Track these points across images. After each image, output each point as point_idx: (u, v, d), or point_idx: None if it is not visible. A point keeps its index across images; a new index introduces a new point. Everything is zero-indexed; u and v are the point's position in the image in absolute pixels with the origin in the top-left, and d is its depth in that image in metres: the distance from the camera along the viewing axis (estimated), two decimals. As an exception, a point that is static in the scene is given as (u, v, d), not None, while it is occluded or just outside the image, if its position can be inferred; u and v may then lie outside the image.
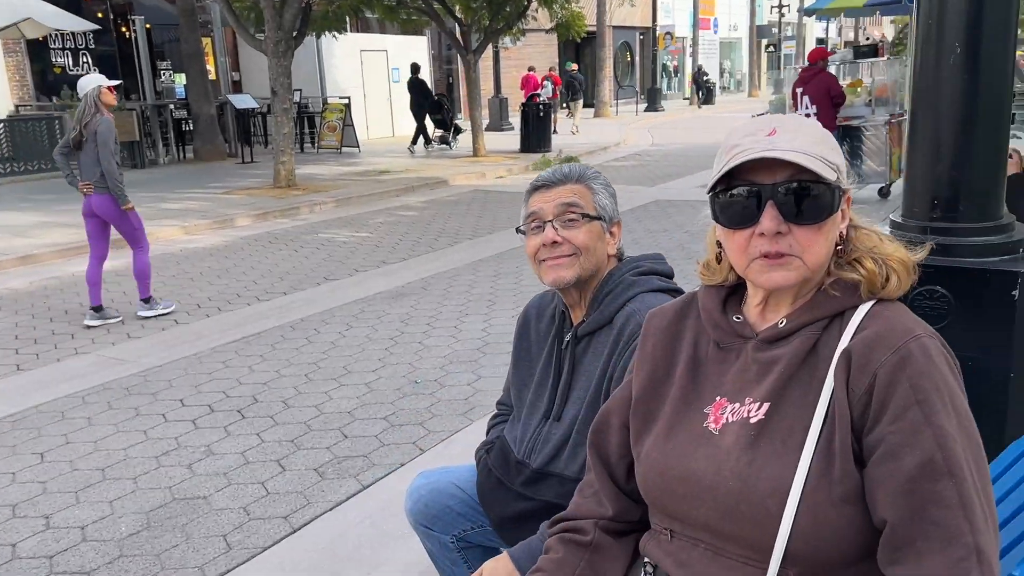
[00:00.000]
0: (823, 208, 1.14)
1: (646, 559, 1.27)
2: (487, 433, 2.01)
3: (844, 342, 1.12)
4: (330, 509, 3.26)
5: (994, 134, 2.13)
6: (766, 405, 1.15)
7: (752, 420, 1.15)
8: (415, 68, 17.55)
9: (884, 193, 9.95)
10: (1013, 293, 2.00)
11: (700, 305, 1.31)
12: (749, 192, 1.15)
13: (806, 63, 9.89)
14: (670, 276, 1.80)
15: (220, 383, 4.69)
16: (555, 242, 1.70)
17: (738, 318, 1.25)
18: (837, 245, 1.18)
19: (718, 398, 1.22)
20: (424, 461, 3.57)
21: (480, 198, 11.82)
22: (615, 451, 1.35)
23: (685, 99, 40.96)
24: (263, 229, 9.78)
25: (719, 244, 1.26)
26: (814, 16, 14.48)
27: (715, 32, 45.53)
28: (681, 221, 9.40)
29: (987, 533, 1.01)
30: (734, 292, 1.29)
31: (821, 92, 9.26)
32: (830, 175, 1.14)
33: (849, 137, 9.78)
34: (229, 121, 16.27)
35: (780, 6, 45.05)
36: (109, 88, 5.69)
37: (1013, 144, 5.77)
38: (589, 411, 1.68)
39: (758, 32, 45.08)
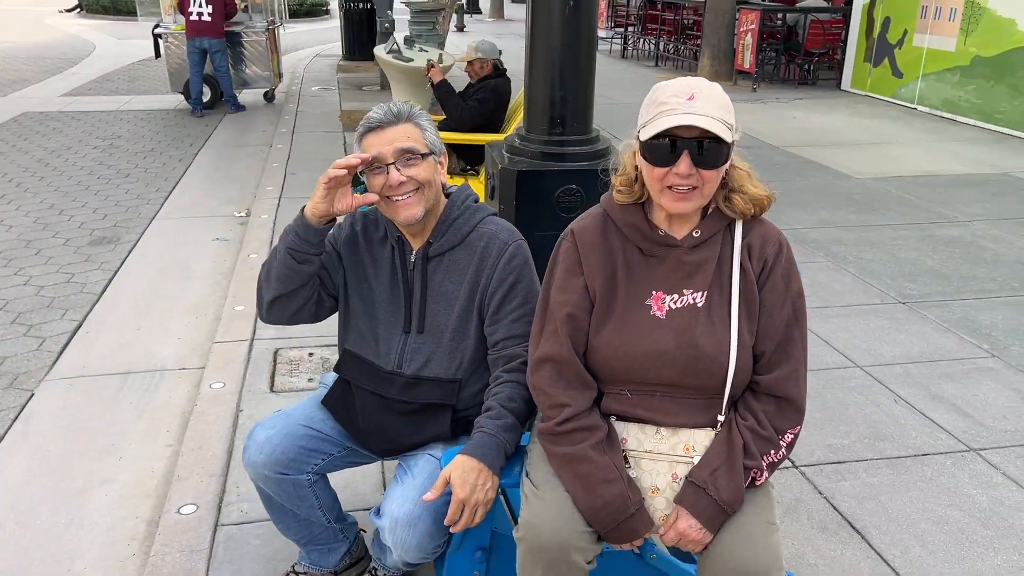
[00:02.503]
0: (720, 158, 1.66)
1: (607, 413, 1.72)
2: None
3: (738, 242, 1.70)
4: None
5: (589, 70, 2.90)
6: (703, 293, 1.69)
7: (699, 305, 1.68)
8: None
9: (269, 97, 10.47)
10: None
11: (621, 222, 1.74)
12: (672, 143, 1.62)
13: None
14: None
15: None
16: (400, 183, 1.87)
17: (662, 232, 1.72)
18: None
19: (654, 292, 1.70)
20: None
21: None
22: (580, 347, 1.72)
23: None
24: None
25: (637, 169, 1.70)
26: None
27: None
28: (82, 133, 8.54)
29: (805, 355, 1.74)
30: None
31: (217, -1, 9.20)
32: (728, 135, 1.65)
33: (231, 43, 9.97)
34: None
35: None
36: None
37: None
38: (460, 320, 1.95)
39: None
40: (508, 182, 2.81)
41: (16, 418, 3.32)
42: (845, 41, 11.61)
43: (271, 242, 5.05)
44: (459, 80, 6.02)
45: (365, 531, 2.33)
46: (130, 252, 5.20)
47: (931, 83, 9.89)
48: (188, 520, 2.53)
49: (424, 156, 1.92)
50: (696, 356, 1.65)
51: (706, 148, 1.61)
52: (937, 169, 7.15)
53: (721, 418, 1.67)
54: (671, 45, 14.40)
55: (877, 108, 10.22)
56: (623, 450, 1.69)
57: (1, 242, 5.37)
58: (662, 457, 1.66)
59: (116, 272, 4.87)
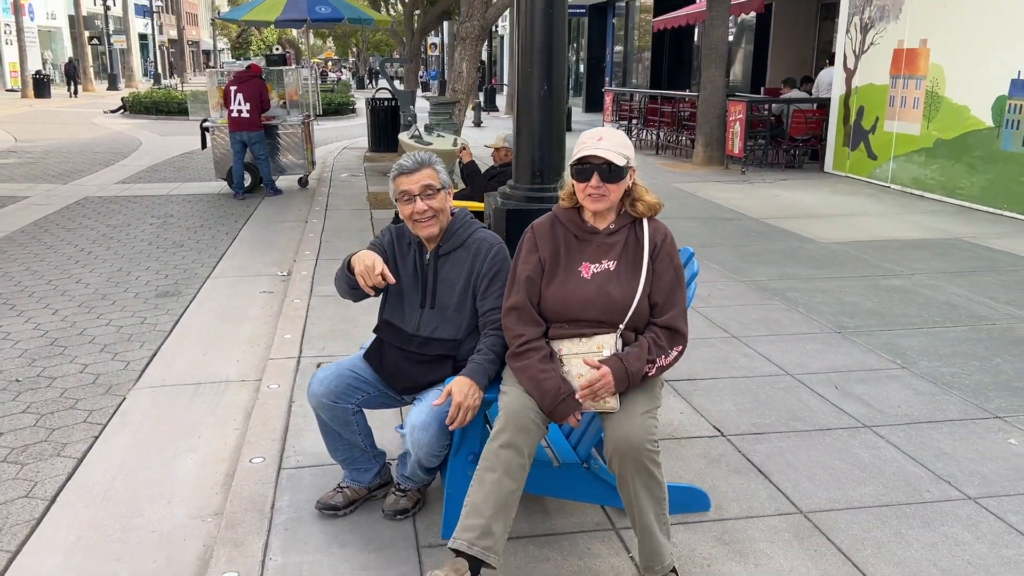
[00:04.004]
0: (618, 176, 2.56)
1: (551, 340, 2.58)
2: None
3: (646, 231, 2.59)
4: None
5: (561, 138, 3.86)
6: (614, 262, 2.57)
7: (611, 270, 2.56)
8: None
9: (304, 183, 11.64)
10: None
11: (564, 218, 2.65)
12: (588, 167, 2.53)
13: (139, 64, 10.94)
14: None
15: None
16: (423, 211, 2.80)
17: (589, 225, 2.62)
18: (628, 189, 2.62)
19: (584, 263, 2.59)
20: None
21: None
22: (535, 299, 2.60)
23: (9, 90, 37.01)
24: None
25: (573, 186, 2.62)
26: (142, 16, 15.31)
27: (31, 19, 41.76)
28: (138, 213, 9.67)
29: (684, 304, 2.61)
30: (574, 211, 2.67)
31: (254, 93, 10.46)
32: (622, 162, 2.56)
33: (271, 135, 11.20)
34: None
35: (104, -2, 43.49)
36: None
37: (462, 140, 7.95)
38: (460, 299, 2.84)
39: (84, 23, 42.75)
40: (500, 218, 3.74)
41: (114, 413, 4.21)
42: (826, 128, 12.72)
43: (311, 292, 5.99)
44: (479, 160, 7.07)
45: (392, 463, 3.16)
46: (191, 302, 6.16)
47: (901, 163, 10.90)
48: (257, 466, 3.38)
49: (439, 190, 2.85)
50: (609, 302, 2.53)
51: (609, 170, 2.53)
52: (895, 235, 8.05)
53: (620, 329, 2.53)
54: (670, 135, 15.61)
55: (854, 187, 11.21)
56: (558, 355, 2.55)
57: (81, 295, 6.36)
58: (582, 354, 2.51)
59: (181, 316, 5.82)
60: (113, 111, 27.13)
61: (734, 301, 5.78)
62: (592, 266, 2.60)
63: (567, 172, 2.72)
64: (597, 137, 2.57)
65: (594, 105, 25.07)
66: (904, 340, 4.95)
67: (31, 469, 3.63)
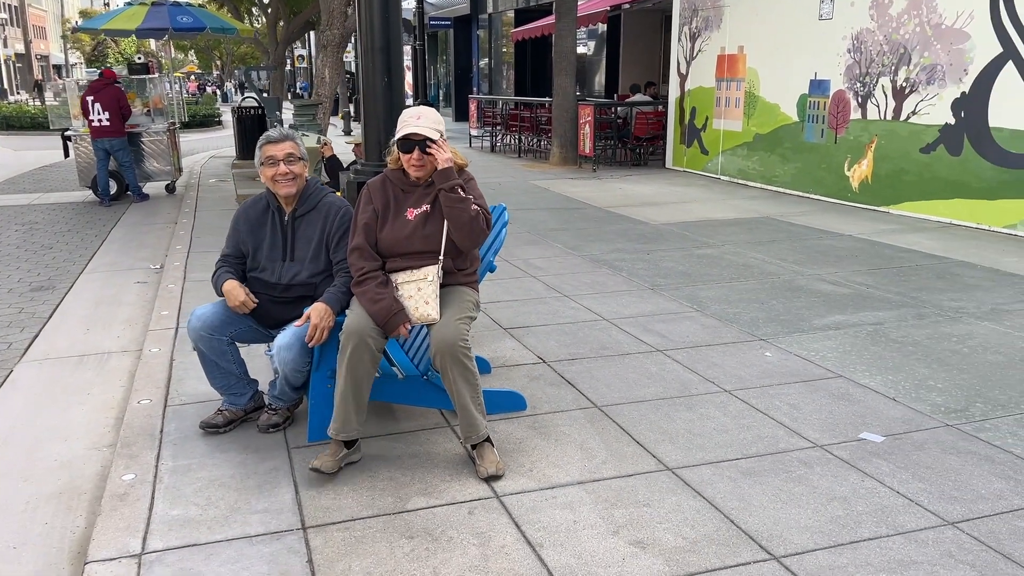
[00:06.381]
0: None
1: (388, 272, 3.29)
2: (215, 273, 3.54)
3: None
4: None
5: (390, 124, 4.56)
6: (429, 206, 3.29)
7: (428, 212, 3.28)
8: None
9: (171, 189, 11.85)
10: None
11: (392, 178, 3.36)
12: (410, 142, 3.25)
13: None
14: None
15: None
16: (285, 173, 3.45)
17: (412, 181, 3.33)
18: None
19: (408, 208, 3.31)
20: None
21: None
22: (372, 240, 3.29)
23: None
24: None
25: (398, 155, 3.32)
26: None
27: None
28: (1, 221, 9.70)
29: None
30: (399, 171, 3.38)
31: (111, 102, 10.63)
32: (436, 136, 3.28)
33: (135, 142, 11.38)
34: None
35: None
36: None
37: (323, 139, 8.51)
38: (315, 251, 3.50)
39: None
40: (352, 189, 4.42)
41: (3, 382, 4.61)
42: (666, 128, 14.01)
43: (184, 278, 6.45)
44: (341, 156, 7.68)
45: (264, 392, 3.78)
46: (67, 293, 6.50)
47: (728, 157, 12.23)
48: (145, 406, 3.92)
49: (299, 159, 3.51)
50: (427, 233, 3.26)
51: (427, 144, 3.26)
52: (716, 217, 9.20)
53: (440, 260, 3.26)
54: (530, 139, 16.61)
55: (690, 179, 12.47)
56: (395, 284, 3.26)
57: (-46, 293, 6.57)
58: (412, 283, 3.23)
59: (58, 305, 6.17)
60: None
61: (569, 271, 6.65)
62: (415, 210, 3.32)
63: (392, 143, 3.42)
64: (416, 116, 3.30)
65: (463, 115, 25.93)
66: (703, 292, 5.93)
67: (-70, 426, 4.02)
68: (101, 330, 5.49)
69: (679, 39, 13.37)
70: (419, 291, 3.23)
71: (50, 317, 5.85)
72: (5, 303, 6.26)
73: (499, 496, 3.04)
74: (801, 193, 10.65)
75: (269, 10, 18.49)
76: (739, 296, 5.81)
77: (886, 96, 9.25)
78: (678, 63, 13.43)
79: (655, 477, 3.17)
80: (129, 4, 15.25)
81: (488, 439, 3.27)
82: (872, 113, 9.46)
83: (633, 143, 14.41)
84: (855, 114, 9.71)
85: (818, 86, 10.28)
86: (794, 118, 10.75)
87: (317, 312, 3.26)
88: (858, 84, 9.64)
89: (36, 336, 5.42)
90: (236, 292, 3.45)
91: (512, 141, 17.50)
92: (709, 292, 5.93)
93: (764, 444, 3.46)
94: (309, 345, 3.28)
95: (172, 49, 52.81)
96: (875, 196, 9.49)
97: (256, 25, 24.75)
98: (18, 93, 50.77)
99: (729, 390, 4.07)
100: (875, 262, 6.85)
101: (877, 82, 9.36)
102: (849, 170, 9.86)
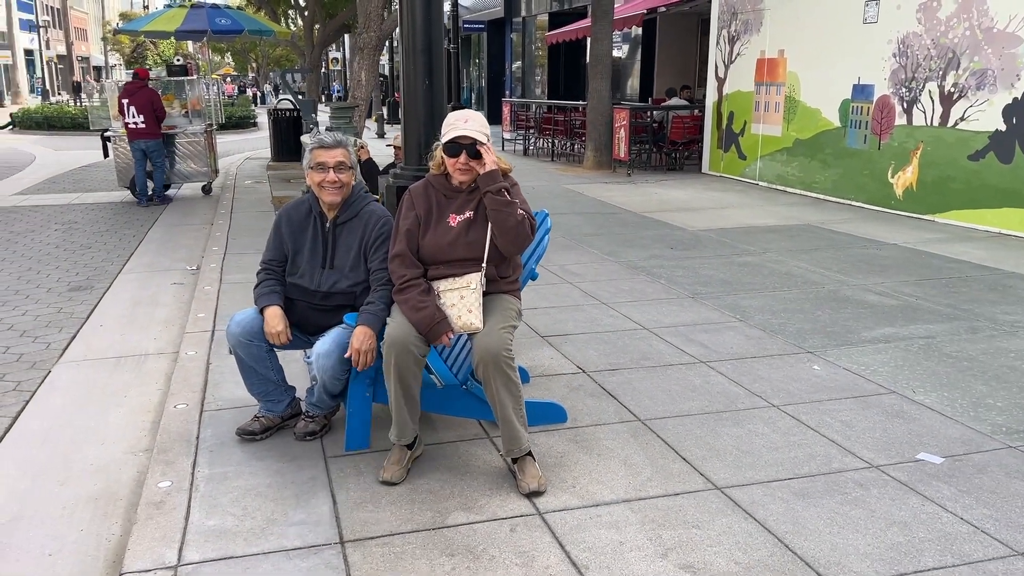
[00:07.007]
0: (479, 153, 3.20)
1: (430, 279, 3.21)
2: (258, 281, 3.49)
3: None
4: None
5: (438, 127, 4.48)
6: (472, 212, 3.21)
7: (471, 218, 3.19)
8: None
9: (207, 190, 11.93)
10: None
11: (434, 183, 3.28)
12: (457, 145, 3.17)
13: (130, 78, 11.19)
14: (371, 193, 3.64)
15: None
16: (334, 181, 3.38)
17: (456, 186, 3.25)
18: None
19: (451, 214, 3.22)
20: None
21: None
22: (414, 247, 3.22)
23: None
24: None
25: (443, 158, 3.24)
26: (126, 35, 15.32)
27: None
28: (42, 221, 9.81)
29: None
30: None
31: (145, 104, 10.71)
32: (484, 139, 3.20)
33: (173, 144, 11.46)
34: None
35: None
36: None
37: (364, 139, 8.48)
38: (354, 260, 3.42)
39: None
40: (391, 194, 4.36)
41: (42, 382, 4.60)
42: (703, 133, 13.82)
43: (220, 280, 6.44)
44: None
45: (301, 399, 3.72)
46: (104, 293, 6.52)
47: (767, 162, 12.02)
48: (181, 410, 3.88)
49: (349, 168, 3.44)
50: (470, 240, 3.18)
51: (474, 148, 3.17)
52: (755, 223, 9.03)
53: (483, 267, 3.17)
54: (564, 142, 16.50)
55: (727, 184, 12.28)
56: (437, 292, 3.17)
57: (-6, 292, 6.62)
58: (455, 291, 3.15)
59: (96, 305, 6.18)
60: (0, 127, 26.37)
61: (606, 277, 6.53)
62: (458, 216, 3.24)
63: (436, 147, 3.33)
64: (464, 119, 3.21)
65: (495, 118, 25.88)
66: (745, 301, 5.79)
67: (-31, 427, 4.01)
68: (138, 331, 5.49)
69: (717, 42, 13.19)
70: (462, 299, 3.14)
71: (88, 317, 5.86)
72: (44, 303, 6.29)
73: (541, 513, 2.94)
74: (842, 200, 10.43)
75: (305, 13, 18.59)
76: (783, 306, 5.65)
77: (933, 101, 9.01)
78: (716, 67, 13.25)
79: (704, 496, 3.05)
80: (168, 6, 15.43)
81: (530, 453, 3.17)
82: (918, 119, 9.23)
83: (669, 147, 14.24)
84: (900, 120, 9.47)
85: (861, 91, 10.06)
86: (836, 123, 10.53)
87: (358, 337, 3.19)
88: (904, 89, 9.41)
89: (74, 337, 5.43)
90: (275, 322, 3.37)
91: (545, 144, 17.41)
92: (752, 301, 5.78)
93: (817, 463, 3.32)
94: (358, 370, 3.21)
95: (209, 51, 53.45)
96: (920, 204, 9.25)
97: (292, 28, 24.93)
98: (59, 94, 51.71)
99: (777, 405, 3.93)
100: (923, 272, 6.65)
101: (924, 87, 9.12)
102: (893, 177, 9.63)
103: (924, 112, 9.15)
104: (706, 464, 3.31)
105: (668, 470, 3.26)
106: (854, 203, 10.21)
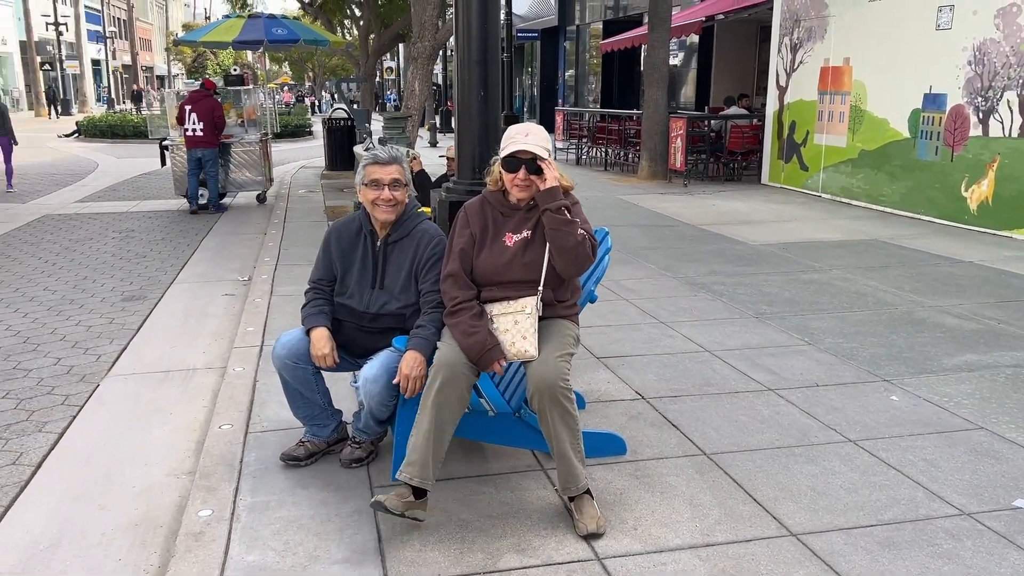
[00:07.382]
0: (540, 169, 3.02)
1: (484, 302, 3.02)
2: (305, 301, 3.36)
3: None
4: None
5: (495, 139, 4.31)
6: (530, 232, 3.02)
7: (528, 238, 3.01)
8: None
9: (262, 199, 11.97)
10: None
11: (491, 200, 3.10)
12: (517, 160, 2.99)
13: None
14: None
15: None
16: (388, 199, 3.23)
17: (513, 203, 3.07)
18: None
19: (507, 233, 3.04)
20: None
21: None
22: (467, 267, 3.04)
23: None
24: None
25: (500, 174, 3.06)
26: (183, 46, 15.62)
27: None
28: (100, 228, 9.93)
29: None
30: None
31: (206, 113, 10.80)
32: (545, 154, 3.02)
33: (229, 152, 11.53)
34: None
35: (56, 24, 43.27)
36: None
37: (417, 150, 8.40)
38: (405, 281, 3.26)
39: (36, 49, 42.47)
40: (444, 209, 4.20)
41: (90, 397, 4.54)
42: (762, 142, 13.44)
43: (271, 292, 6.36)
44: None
45: (348, 423, 3.57)
46: (157, 304, 6.50)
47: (830, 174, 11.61)
48: (226, 432, 3.76)
49: (404, 185, 3.29)
50: (527, 261, 2.99)
51: (535, 163, 2.99)
52: (820, 237, 8.67)
53: (540, 291, 2.98)
54: (618, 152, 16.25)
55: (788, 196, 11.89)
56: (490, 316, 2.99)
57: (49, 300, 6.65)
58: (509, 315, 2.96)
59: (148, 316, 6.15)
60: (67, 135, 27.09)
61: (665, 294, 6.28)
62: (514, 236, 3.05)
63: (494, 161, 3.15)
64: (524, 133, 3.03)
65: (547, 127, 25.71)
66: (814, 323, 5.49)
67: (15, 443, 3.96)
68: (187, 344, 5.42)
69: (779, 50, 12.82)
70: (516, 324, 2.95)
71: (139, 329, 5.83)
72: (97, 313, 6.29)
73: (601, 559, 2.73)
74: (911, 214, 9.98)
75: (361, 22, 18.69)
76: (854, 328, 5.34)
77: (1011, 112, 8.56)
78: (777, 75, 12.88)
79: (778, 544, 2.81)
80: (227, 17, 15.61)
81: (588, 491, 2.96)
82: (995, 130, 8.77)
83: (727, 158, 13.89)
84: (975, 131, 9.02)
85: (933, 100, 9.62)
86: (905, 134, 10.09)
87: (408, 363, 3.01)
88: (979, 99, 8.96)
89: (124, 349, 5.39)
90: (322, 344, 3.22)
91: (598, 154, 17.17)
92: (820, 323, 5.48)
93: (901, 508, 3.04)
94: (406, 397, 3.04)
95: (267, 61, 54.45)
96: (996, 219, 8.79)
97: (348, 37, 25.13)
98: (123, 103, 53.16)
99: (854, 440, 3.65)
100: (1004, 293, 6.26)
101: (1002, 96, 8.67)
102: (967, 190, 9.17)
103: (1002, 123, 8.69)
104: (779, 506, 3.06)
105: (738, 512, 3.02)
106: (924, 217, 9.76)
